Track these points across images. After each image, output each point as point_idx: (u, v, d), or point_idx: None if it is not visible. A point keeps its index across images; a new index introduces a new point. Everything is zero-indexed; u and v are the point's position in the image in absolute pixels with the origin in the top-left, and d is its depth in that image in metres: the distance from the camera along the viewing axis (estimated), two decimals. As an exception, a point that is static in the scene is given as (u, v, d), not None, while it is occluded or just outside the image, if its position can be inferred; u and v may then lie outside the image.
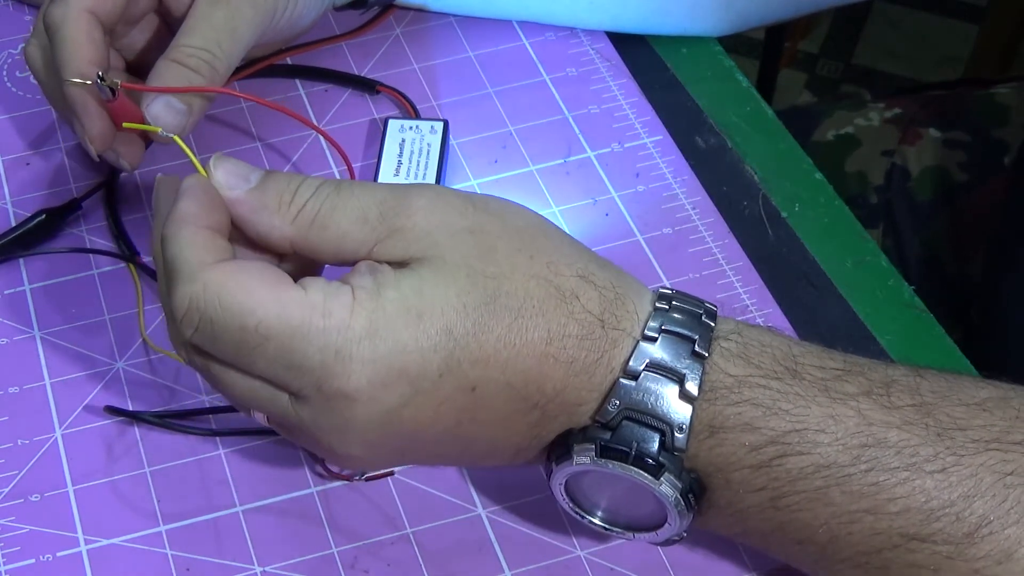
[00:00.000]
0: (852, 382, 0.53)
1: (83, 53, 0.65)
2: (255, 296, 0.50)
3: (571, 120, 0.77)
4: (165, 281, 0.53)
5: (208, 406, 0.65)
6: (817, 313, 0.69)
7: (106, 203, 0.73)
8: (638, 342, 0.52)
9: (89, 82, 0.64)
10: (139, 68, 0.71)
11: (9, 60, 0.80)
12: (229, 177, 0.54)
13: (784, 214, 0.73)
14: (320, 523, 0.61)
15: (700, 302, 0.54)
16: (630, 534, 0.56)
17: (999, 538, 0.51)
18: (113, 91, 0.63)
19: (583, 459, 0.53)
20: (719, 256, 0.70)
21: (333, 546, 0.60)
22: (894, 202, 0.96)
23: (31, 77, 0.79)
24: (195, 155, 0.56)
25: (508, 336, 0.51)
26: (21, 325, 0.68)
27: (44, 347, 0.67)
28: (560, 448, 0.54)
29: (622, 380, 0.52)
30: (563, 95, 0.78)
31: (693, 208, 0.73)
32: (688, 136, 0.76)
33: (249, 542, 0.60)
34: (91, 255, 0.70)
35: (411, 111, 0.76)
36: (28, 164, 0.75)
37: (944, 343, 0.68)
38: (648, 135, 0.76)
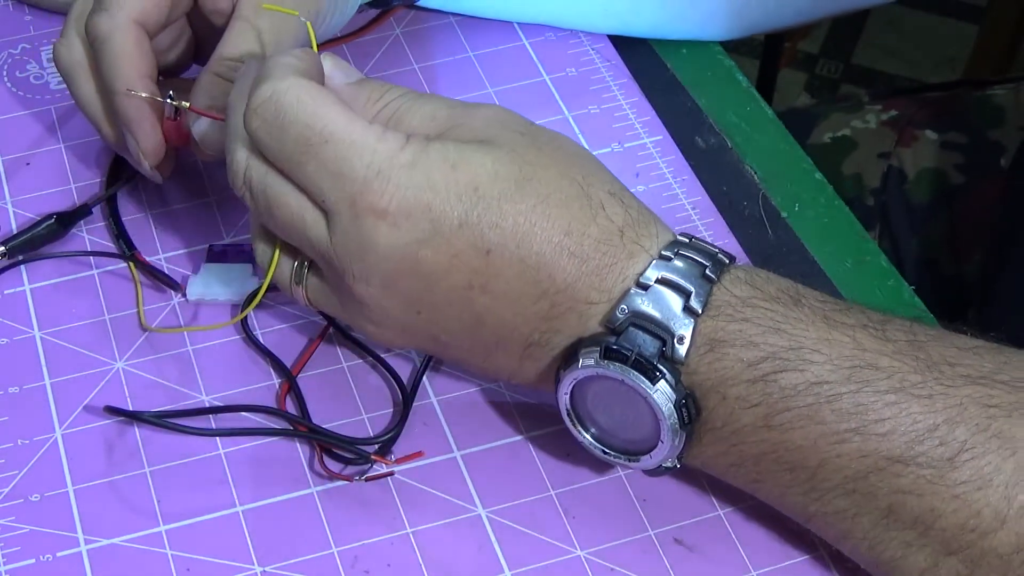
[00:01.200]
0: (851, 316, 0.56)
1: (135, 65, 0.65)
2: (330, 106, 0.56)
3: (571, 120, 0.77)
4: (245, 96, 0.58)
5: (208, 406, 0.65)
6: (817, 313, 0.69)
7: (107, 202, 0.73)
8: (653, 259, 0.56)
9: (161, 98, 0.65)
10: (164, 72, 0.70)
11: (9, 60, 0.80)
12: (334, 69, 0.60)
13: (784, 214, 0.73)
14: (320, 523, 0.61)
15: (719, 249, 0.58)
16: (624, 458, 0.58)
17: (979, 464, 0.53)
18: (177, 111, 0.65)
19: (588, 361, 0.56)
20: (719, 256, 0.70)
21: (333, 546, 0.60)
22: (890, 204, 0.96)
23: (31, 77, 0.79)
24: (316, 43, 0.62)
25: (530, 214, 0.56)
26: (21, 325, 0.68)
27: (44, 347, 0.67)
28: (569, 358, 0.57)
29: (633, 289, 0.56)
30: (563, 95, 0.78)
31: (693, 208, 0.73)
32: (688, 136, 0.77)
33: (249, 542, 0.60)
34: (91, 255, 0.70)
35: (411, 111, 0.76)
36: (28, 164, 0.75)
37: (944, 343, 0.68)
38: (648, 135, 0.76)
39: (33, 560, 0.60)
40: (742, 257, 0.70)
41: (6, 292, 0.69)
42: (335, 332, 0.67)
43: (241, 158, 0.58)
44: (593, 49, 0.80)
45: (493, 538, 0.61)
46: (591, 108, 0.78)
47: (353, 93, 0.59)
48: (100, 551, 0.60)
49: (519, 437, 0.64)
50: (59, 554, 0.60)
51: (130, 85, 0.65)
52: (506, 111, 0.59)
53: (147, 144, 0.66)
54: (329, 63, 0.60)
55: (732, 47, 0.83)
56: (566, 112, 0.77)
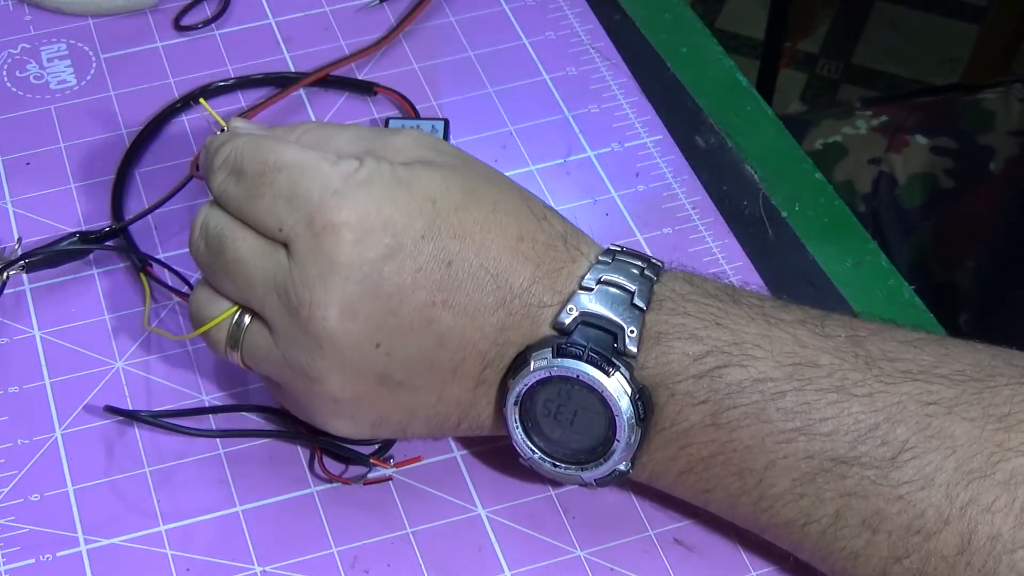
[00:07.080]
0: (789, 312, 0.57)
1: None
2: (281, 142, 0.58)
3: (571, 120, 0.77)
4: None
5: (208, 406, 0.65)
6: (817, 313, 0.69)
7: (112, 205, 0.73)
8: (592, 264, 0.58)
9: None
10: None
11: (9, 60, 0.80)
12: (247, 124, 0.62)
13: (784, 214, 0.73)
14: (320, 523, 0.61)
15: (650, 255, 0.59)
16: (576, 468, 0.58)
17: (921, 463, 0.53)
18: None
19: (540, 363, 0.56)
20: (719, 256, 0.70)
21: (333, 546, 0.60)
22: (881, 210, 0.96)
23: (31, 77, 0.79)
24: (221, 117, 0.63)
25: (484, 222, 0.57)
26: (21, 325, 0.68)
27: (44, 347, 0.67)
28: (518, 366, 0.57)
29: (579, 291, 0.57)
30: (563, 95, 0.78)
31: (693, 208, 0.73)
32: (688, 136, 0.77)
33: (249, 542, 0.60)
34: (91, 255, 0.70)
35: (411, 111, 0.76)
36: (28, 164, 0.75)
37: (944, 343, 0.68)
38: (648, 135, 0.76)
39: (33, 560, 0.60)
40: (742, 257, 0.70)
41: (6, 292, 0.69)
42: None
43: (202, 212, 0.59)
44: (593, 49, 0.80)
45: (493, 538, 0.61)
46: (591, 108, 0.78)
47: (271, 132, 0.61)
48: (100, 551, 0.60)
49: (519, 437, 0.64)
50: (59, 554, 0.60)
51: None
52: (423, 134, 0.60)
53: None
54: (239, 122, 0.62)
55: (732, 47, 0.83)
56: (566, 112, 0.77)
